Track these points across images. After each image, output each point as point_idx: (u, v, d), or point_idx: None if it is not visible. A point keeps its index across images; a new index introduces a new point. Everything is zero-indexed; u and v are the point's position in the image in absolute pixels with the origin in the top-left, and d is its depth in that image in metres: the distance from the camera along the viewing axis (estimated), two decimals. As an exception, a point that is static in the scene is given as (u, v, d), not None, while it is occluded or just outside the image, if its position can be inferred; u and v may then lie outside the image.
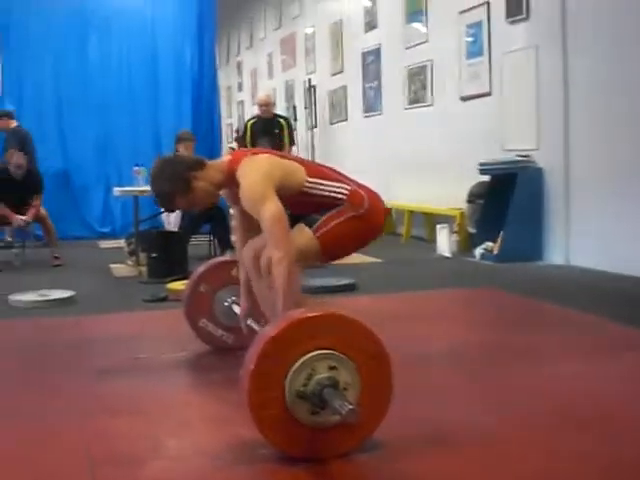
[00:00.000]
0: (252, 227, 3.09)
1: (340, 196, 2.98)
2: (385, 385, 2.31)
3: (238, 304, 3.42)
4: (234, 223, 3.30)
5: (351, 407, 2.08)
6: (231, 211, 7.79)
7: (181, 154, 3.15)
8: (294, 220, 2.99)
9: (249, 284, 3.22)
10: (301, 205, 2.99)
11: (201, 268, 3.66)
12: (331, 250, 3.01)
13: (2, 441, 2.53)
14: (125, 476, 2.22)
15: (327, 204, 2.98)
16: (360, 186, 3.08)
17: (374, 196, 3.09)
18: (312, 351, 2.19)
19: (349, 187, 3.02)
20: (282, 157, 3.12)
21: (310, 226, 2.96)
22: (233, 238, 7.24)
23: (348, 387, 2.22)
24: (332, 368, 2.20)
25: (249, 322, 3.18)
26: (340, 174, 3.13)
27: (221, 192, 3.17)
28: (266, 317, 3.11)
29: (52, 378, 3.34)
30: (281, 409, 2.19)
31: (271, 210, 2.72)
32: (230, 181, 2.95)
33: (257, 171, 2.85)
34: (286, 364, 2.18)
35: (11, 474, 2.27)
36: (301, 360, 2.18)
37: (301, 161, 3.15)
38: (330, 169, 3.21)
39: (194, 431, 2.70)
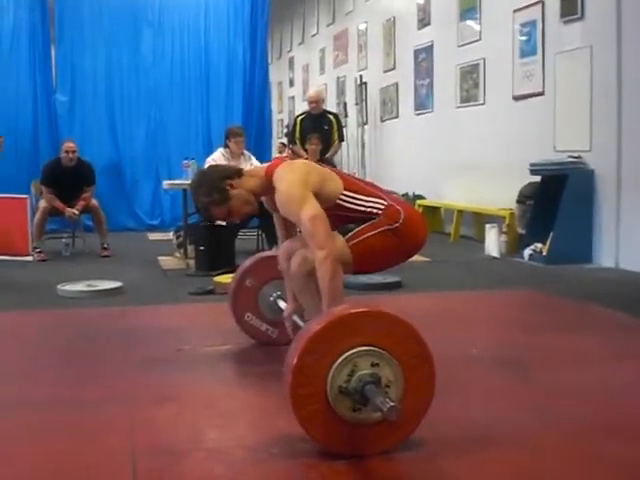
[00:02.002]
0: (293, 233, 3.13)
1: (375, 211, 2.94)
2: (427, 384, 2.29)
3: (283, 299, 3.43)
4: (277, 229, 3.29)
5: (392, 404, 2.07)
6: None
7: (218, 164, 3.14)
8: None
9: None
10: (336, 219, 2.94)
11: (248, 262, 3.69)
12: (363, 261, 2.94)
13: (48, 429, 2.58)
14: (165, 467, 2.24)
15: (362, 219, 2.94)
16: (398, 202, 3.05)
17: (412, 212, 3.06)
18: (355, 347, 2.19)
19: (385, 202, 2.98)
20: (321, 166, 3.11)
21: (344, 235, 2.92)
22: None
23: (390, 384, 2.22)
24: (374, 365, 2.20)
25: (294, 318, 3.18)
26: (377, 189, 3.10)
27: (265, 202, 3.17)
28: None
29: (99, 367, 3.40)
30: (323, 405, 2.20)
31: (310, 211, 2.70)
32: (268, 187, 2.94)
33: (293, 175, 2.84)
34: (328, 360, 2.19)
35: (54, 461, 2.31)
36: (344, 356, 2.18)
37: (338, 173, 3.12)
38: (368, 183, 3.20)
39: (236, 423, 2.72)
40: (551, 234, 6.51)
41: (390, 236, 2.92)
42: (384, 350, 2.21)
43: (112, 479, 2.18)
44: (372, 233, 2.91)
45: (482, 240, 7.45)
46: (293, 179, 2.81)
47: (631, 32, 5.96)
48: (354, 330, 2.21)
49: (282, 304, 3.40)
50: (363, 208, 2.95)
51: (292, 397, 2.20)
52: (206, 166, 6.87)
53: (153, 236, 9.20)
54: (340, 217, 2.94)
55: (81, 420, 2.66)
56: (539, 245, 6.66)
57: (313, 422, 2.22)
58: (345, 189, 2.95)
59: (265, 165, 3.09)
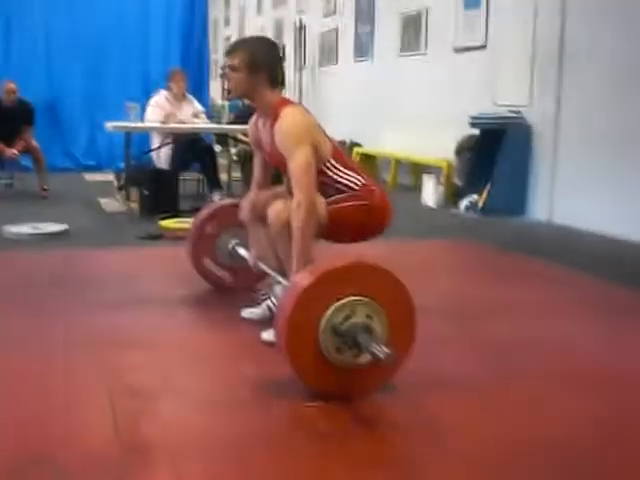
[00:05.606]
0: (267, 180, 3.22)
1: (353, 185, 3.04)
2: (410, 332, 2.46)
3: (242, 246, 3.50)
4: (255, 170, 3.34)
5: (389, 352, 2.21)
6: (217, 148, 7.80)
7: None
8: None
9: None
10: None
11: (209, 209, 3.75)
12: (334, 227, 3.00)
13: (15, 374, 2.60)
14: (143, 408, 2.31)
15: (338, 190, 3.03)
16: (373, 183, 3.15)
17: (383, 194, 3.16)
18: (356, 295, 2.32)
19: (363, 181, 3.08)
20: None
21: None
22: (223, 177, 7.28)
23: (378, 335, 2.34)
24: (369, 317, 2.33)
25: (260, 265, 3.25)
26: (359, 167, 3.21)
27: (249, 134, 3.25)
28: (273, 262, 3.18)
29: (58, 312, 3.38)
30: (313, 335, 2.30)
31: (303, 156, 2.82)
32: (269, 113, 2.99)
33: (304, 120, 2.94)
34: (333, 297, 2.30)
35: (31, 404, 2.34)
36: (346, 299, 2.30)
37: (329, 139, 3.15)
38: (352, 160, 3.30)
39: (204, 367, 2.79)
40: (487, 186, 6.71)
41: (364, 212, 3.02)
42: (376, 301, 2.34)
43: (92, 417, 2.25)
44: (350, 204, 3.01)
45: (419, 189, 7.62)
46: (303, 122, 2.92)
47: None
48: (357, 278, 2.35)
49: (242, 251, 3.47)
50: (343, 180, 3.04)
51: (290, 318, 2.29)
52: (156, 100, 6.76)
53: (90, 177, 9.06)
54: (321, 184, 2.99)
55: (49, 365, 2.68)
56: (475, 197, 6.85)
57: (301, 357, 2.32)
58: (333, 157, 3.03)
59: (278, 97, 3.07)
